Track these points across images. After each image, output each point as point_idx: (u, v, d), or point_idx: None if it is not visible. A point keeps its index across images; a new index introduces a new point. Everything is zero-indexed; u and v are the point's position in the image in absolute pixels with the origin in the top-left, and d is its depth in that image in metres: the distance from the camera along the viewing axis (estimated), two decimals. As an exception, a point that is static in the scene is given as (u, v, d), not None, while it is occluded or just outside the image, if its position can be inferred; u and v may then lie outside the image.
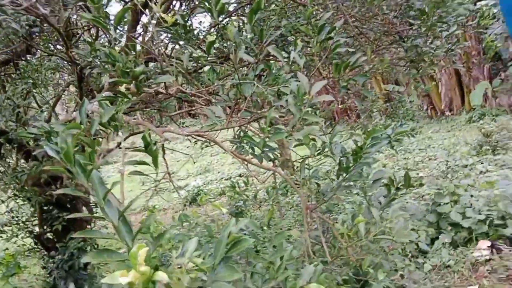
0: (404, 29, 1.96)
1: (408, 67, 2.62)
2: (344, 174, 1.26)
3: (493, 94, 9.91)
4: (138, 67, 0.86)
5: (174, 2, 2.67)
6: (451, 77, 10.47)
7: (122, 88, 0.99)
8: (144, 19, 2.17)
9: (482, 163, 5.21)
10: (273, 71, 1.31)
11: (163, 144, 1.61)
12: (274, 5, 1.92)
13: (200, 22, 10.03)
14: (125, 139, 2.39)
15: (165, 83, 1.48)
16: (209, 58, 2.58)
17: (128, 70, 0.85)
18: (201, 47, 2.47)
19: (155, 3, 1.06)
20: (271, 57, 2.38)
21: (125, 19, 1.00)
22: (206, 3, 0.99)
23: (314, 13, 1.49)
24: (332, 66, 1.41)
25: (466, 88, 10.35)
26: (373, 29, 1.95)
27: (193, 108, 2.42)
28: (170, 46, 2.77)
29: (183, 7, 2.64)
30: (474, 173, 4.79)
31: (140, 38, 2.36)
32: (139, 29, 2.59)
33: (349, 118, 11.80)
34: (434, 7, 1.40)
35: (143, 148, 0.92)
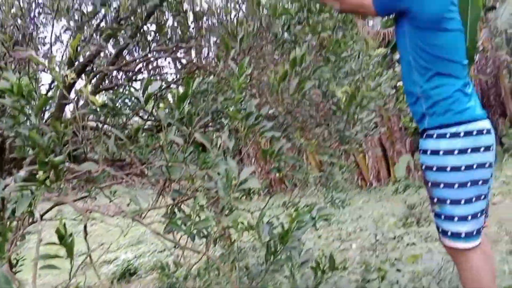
0: (328, 114, 2.11)
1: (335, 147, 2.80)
2: (272, 258, 1.26)
3: (415, 167, 10.74)
4: (58, 157, 0.84)
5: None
6: (377, 149, 11.26)
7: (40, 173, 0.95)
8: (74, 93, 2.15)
9: (408, 235, 5.46)
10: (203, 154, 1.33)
11: (85, 225, 1.52)
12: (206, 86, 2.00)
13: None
14: (46, 212, 2.22)
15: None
16: (145, 126, 2.58)
17: (46, 161, 0.82)
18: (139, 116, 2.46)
19: (85, 86, 1.06)
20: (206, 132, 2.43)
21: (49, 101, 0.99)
22: (133, 89, 1.02)
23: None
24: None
25: (391, 161, 11.13)
26: (301, 112, 2.08)
27: (124, 180, 2.35)
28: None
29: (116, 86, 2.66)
30: (401, 245, 5.00)
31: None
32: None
33: (286, 187, 12.04)
34: (349, 103, 1.55)
35: (57, 242, 0.86)
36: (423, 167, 1.67)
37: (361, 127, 1.72)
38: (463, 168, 1.54)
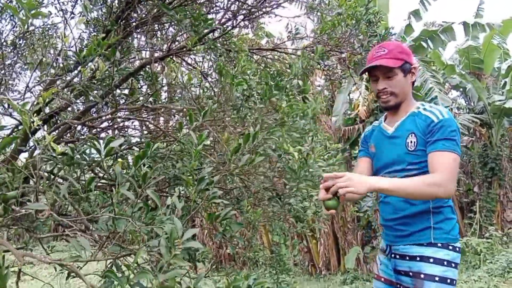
0: (280, 188, 2.24)
1: (287, 222, 2.90)
2: (202, 322, 1.27)
3: (364, 260, 10.82)
4: (11, 192, 0.89)
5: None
6: (329, 238, 11.34)
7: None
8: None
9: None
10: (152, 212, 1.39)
11: (20, 269, 1.48)
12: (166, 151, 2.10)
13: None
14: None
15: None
16: (99, 183, 2.57)
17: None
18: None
19: (48, 133, 1.13)
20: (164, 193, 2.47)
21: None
22: (96, 143, 1.10)
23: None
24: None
25: (342, 250, 11.20)
26: (254, 183, 2.19)
27: (65, 233, 2.30)
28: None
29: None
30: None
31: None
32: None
33: (235, 264, 11.71)
34: (300, 167, 1.70)
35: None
36: (422, 275, 1.69)
37: (310, 204, 1.86)
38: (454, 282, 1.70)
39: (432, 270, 1.68)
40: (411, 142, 1.77)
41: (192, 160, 1.44)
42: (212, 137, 1.94)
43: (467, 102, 11.66)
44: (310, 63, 2.69)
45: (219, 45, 2.05)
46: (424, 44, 9.56)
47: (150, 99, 2.91)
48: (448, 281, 1.66)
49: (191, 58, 3.34)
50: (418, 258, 1.73)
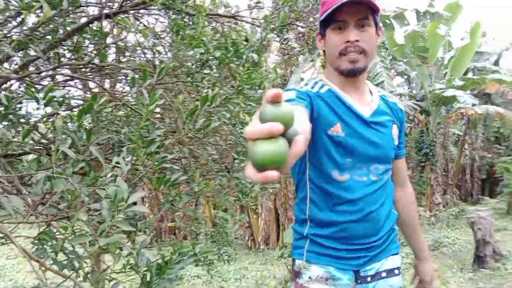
0: (229, 161, 2.20)
1: (232, 196, 2.87)
2: (145, 290, 1.22)
3: (302, 235, 11.22)
4: None
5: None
6: (270, 213, 11.61)
7: None
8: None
9: (286, 297, 5.60)
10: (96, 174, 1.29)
11: None
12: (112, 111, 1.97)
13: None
14: None
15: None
16: (36, 147, 2.38)
17: None
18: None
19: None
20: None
21: None
22: (34, 89, 0.98)
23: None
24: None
25: (282, 226, 11.51)
26: (204, 155, 2.13)
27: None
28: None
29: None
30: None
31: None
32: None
33: (176, 238, 11.67)
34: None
35: None
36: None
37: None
38: None
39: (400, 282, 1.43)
40: (395, 136, 1.39)
41: (142, 121, 1.35)
42: (164, 102, 1.84)
43: (409, 89, 12.24)
44: (269, 35, 2.63)
45: (178, 1, 1.92)
46: (375, 30, 9.76)
47: (96, 60, 2.72)
48: None
49: (144, 19, 3.14)
50: (396, 271, 1.41)
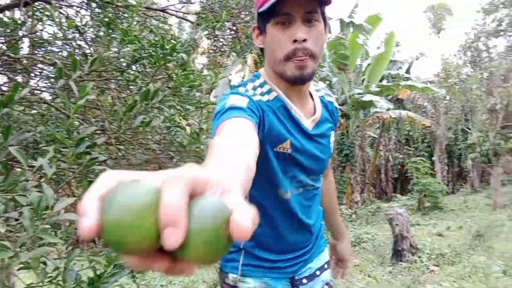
0: (165, 161, 2.08)
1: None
2: (75, 308, 1.08)
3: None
4: None
5: None
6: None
7: None
8: None
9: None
10: (14, 177, 1.12)
11: None
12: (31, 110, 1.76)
13: None
14: None
15: None
16: None
17: None
18: None
19: None
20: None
21: None
22: None
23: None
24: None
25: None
26: (136, 155, 1.98)
27: None
28: None
29: None
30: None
31: None
32: None
33: (95, 245, 10.96)
34: (191, 142, 1.55)
35: None
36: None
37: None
38: None
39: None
40: (332, 143, 1.33)
41: (70, 117, 1.20)
42: (93, 98, 1.67)
43: (331, 94, 12.86)
44: (202, 33, 2.54)
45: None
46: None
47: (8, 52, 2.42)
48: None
49: (64, 11, 2.88)
50: (326, 266, 1.42)
